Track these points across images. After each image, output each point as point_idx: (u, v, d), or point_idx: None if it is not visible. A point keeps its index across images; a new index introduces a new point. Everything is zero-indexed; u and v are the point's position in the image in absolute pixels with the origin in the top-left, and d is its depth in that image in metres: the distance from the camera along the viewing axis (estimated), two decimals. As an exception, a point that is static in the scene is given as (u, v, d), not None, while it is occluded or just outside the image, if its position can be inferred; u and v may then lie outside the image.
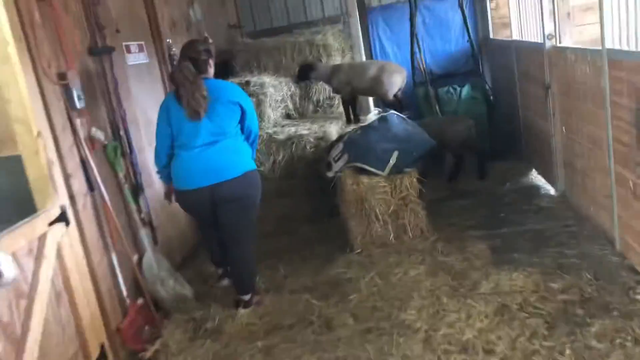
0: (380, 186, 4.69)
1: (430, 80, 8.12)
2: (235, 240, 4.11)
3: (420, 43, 8.27)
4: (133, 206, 4.39)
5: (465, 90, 7.88)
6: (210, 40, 4.59)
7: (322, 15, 9.26)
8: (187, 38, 6.58)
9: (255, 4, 9.36)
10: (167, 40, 5.88)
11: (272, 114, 6.18)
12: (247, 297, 4.26)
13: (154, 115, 4.27)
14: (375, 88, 6.11)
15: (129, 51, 5.15)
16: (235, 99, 3.95)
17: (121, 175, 4.35)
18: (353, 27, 8.68)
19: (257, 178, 4.13)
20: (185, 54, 4.00)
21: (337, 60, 6.97)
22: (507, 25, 8.45)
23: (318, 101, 6.96)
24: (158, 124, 4.09)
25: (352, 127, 5.99)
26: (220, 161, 3.91)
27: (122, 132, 4.51)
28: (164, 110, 4.07)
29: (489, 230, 5.10)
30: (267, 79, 6.16)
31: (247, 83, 6.02)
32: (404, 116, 5.03)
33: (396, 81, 6.09)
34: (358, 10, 8.58)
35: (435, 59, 8.81)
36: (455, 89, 7.98)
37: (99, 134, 4.06)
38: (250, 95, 5.76)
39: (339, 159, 4.75)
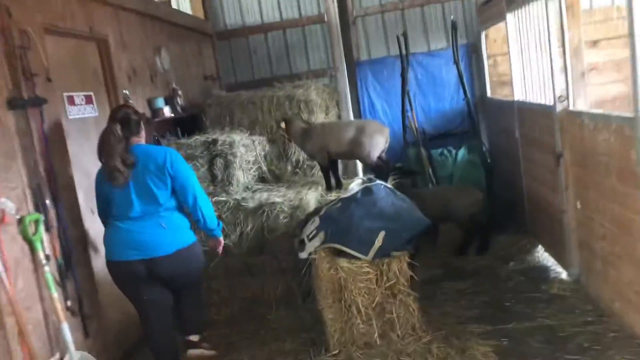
0: (363, 272, 3.85)
1: (423, 140, 7.43)
2: (181, 292, 3.93)
3: (412, 100, 7.62)
4: (54, 294, 3.51)
5: (461, 153, 7.18)
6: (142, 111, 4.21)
7: (307, 67, 8.68)
8: (152, 89, 5.90)
9: (237, 55, 8.76)
10: (124, 92, 5.15)
11: (243, 176, 5.40)
12: (196, 338, 4.06)
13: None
14: (355, 151, 5.34)
15: (72, 103, 4.41)
16: (164, 165, 3.60)
17: (41, 254, 3.50)
18: (340, 82, 8.02)
19: (194, 253, 3.81)
20: (114, 116, 3.67)
21: (320, 117, 6.26)
22: (506, 83, 7.84)
23: (297, 162, 6.21)
24: (95, 190, 3.84)
25: (333, 194, 5.20)
26: (152, 236, 3.62)
27: (48, 201, 3.69)
28: (99, 174, 3.76)
29: (493, 324, 4.26)
30: (238, 137, 5.41)
31: (214, 142, 5.28)
32: (391, 186, 4.24)
33: (378, 142, 5.33)
34: (346, 64, 7.94)
35: (428, 118, 8.15)
36: (450, 152, 7.28)
37: (8, 205, 3.24)
38: (217, 155, 5.05)
39: (313, 237, 3.93)
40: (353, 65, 8.39)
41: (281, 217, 4.92)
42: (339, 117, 8.07)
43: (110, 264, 3.70)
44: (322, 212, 4.07)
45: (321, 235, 3.91)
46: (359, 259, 3.83)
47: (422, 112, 8.16)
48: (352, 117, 8.23)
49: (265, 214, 4.94)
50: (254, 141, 5.64)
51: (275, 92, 6.31)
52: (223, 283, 5.03)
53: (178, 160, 3.68)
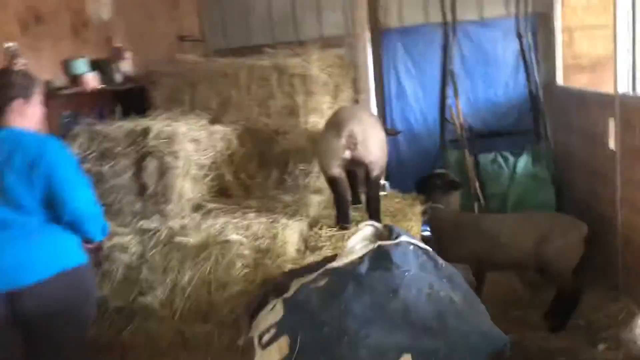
0: None
1: (468, 139, 5.38)
2: None
3: (457, 85, 5.56)
4: None
5: (523, 162, 5.13)
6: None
7: (318, 33, 6.62)
8: (75, 46, 3.98)
9: (229, 12, 6.72)
10: (8, 45, 3.23)
11: (191, 188, 3.46)
12: None
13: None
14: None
15: None
16: (33, 161, 2.53)
17: None
18: (360, 54, 6.06)
19: (84, 277, 2.66)
20: None
21: (323, 102, 4.26)
22: (585, 68, 5.76)
23: (286, 163, 4.22)
24: None
25: (350, 229, 3.28)
26: (17, 255, 2.51)
27: None
28: None
29: None
30: (184, 127, 3.45)
31: (144, 133, 3.33)
32: (423, 245, 2.17)
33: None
34: (370, 32, 5.96)
35: (475, 109, 6.06)
36: (506, 159, 5.22)
37: None
38: (148, 154, 3.11)
39: (269, 342, 1.97)
40: (378, 34, 6.34)
41: (238, 265, 2.98)
42: (356, 101, 6.08)
43: None
44: (289, 293, 2.10)
45: (283, 343, 1.94)
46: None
47: (467, 102, 6.09)
48: (374, 103, 6.24)
49: (214, 258, 3.00)
50: (212, 134, 3.66)
51: (258, 60, 4.30)
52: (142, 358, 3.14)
53: (58, 156, 2.63)
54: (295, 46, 5.56)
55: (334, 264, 2.05)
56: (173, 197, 3.35)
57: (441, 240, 4.07)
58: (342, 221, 3.34)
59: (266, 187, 3.93)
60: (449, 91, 5.51)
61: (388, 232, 2.16)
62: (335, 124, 3.34)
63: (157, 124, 3.41)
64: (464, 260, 4.01)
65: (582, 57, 5.71)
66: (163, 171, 3.31)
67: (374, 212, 3.39)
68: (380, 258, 2.02)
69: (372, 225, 2.23)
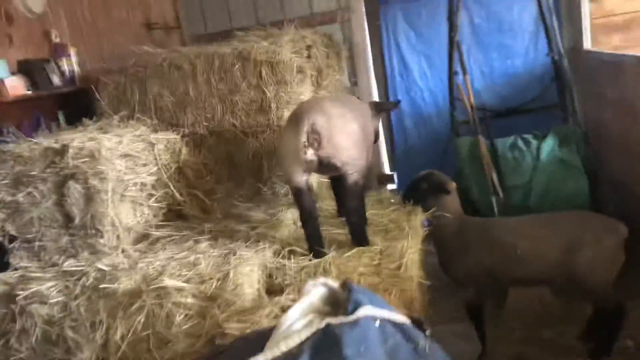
0: None
1: (482, 120, 4.60)
2: None
3: (465, 57, 4.76)
4: None
5: (548, 145, 4.31)
6: None
7: (308, 10, 5.85)
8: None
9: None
10: None
11: (128, 216, 2.79)
12: None
13: None
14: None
15: None
16: None
17: None
18: (356, 30, 5.35)
19: None
20: None
21: (302, 93, 3.52)
22: (616, 27, 4.95)
23: (260, 169, 3.51)
24: None
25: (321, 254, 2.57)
26: None
27: None
28: None
29: None
30: (113, 141, 2.76)
31: (62, 151, 2.65)
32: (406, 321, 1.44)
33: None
34: (365, 3, 5.22)
35: (490, 84, 5.27)
36: (527, 143, 4.41)
37: None
38: (69, 177, 2.45)
39: None
40: (376, 5, 5.58)
41: (179, 318, 2.30)
42: (355, 85, 5.34)
43: None
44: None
45: None
46: None
47: (481, 76, 5.29)
48: (373, 85, 5.48)
49: (148, 309, 2.33)
50: (154, 144, 2.96)
51: (218, 48, 3.56)
52: None
53: None
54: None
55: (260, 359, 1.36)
56: (105, 227, 2.68)
57: (443, 255, 3.33)
58: (313, 248, 2.62)
59: (231, 204, 3.22)
60: (457, 66, 4.71)
61: (346, 296, 1.45)
62: (294, 118, 2.61)
63: (79, 139, 2.73)
64: (472, 278, 3.30)
65: (613, 15, 4.87)
66: (89, 196, 2.64)
67: (355, 232, 2.68)
68: (327, 346, 1.32)
69: (324, 284, 1.53)
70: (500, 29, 5.30)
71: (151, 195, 2.89)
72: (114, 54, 4.22)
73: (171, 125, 3.47)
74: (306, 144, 2.49)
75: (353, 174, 2.67)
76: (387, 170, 5.83)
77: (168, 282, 2.29)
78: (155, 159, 2.89)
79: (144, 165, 2.85)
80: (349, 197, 2.69)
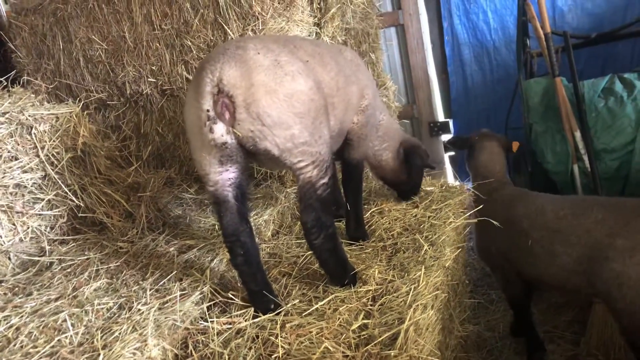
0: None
1: (563, 52, 3.28)
2: None
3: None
4: None
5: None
6: None
7: None
8: None
9: None
10: None
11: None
12: None
13: None
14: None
15: None
16: None
17: None
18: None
19: None
20: None
21: (289, 32, 2.40)
22: None
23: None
24: None
25: None
26: None
27: None
28: None
29: None
30: None
31: None
32: None
33: None
34: None
35: (575, 3, 3.86)
36: (630, 86, 3.07)
37: None
38: None
39: None
40: None
41: None
42: (398, 9, 4.14)
43: None
44: None
45: None
46: None
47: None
48: (422, 5, 4.25)
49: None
50: (30, 128, 1.96)
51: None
52: None
53: None
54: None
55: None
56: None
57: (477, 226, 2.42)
58: (253, 296, 1.59)
59: (172, 201, 2.22)
60: (528, -23, 3.37)
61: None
62: (196, 72, 1.54)
63: None
64: (490, 261, 2.57)
65: None
66: None
67: (324, 263, 1.64)
68: None
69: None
70: None
71: (37, 199, 1.94)
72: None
73: (106, 85, 2.47)
74: (211, 114, 1.44)
75: (305, 169, 1.59)
76: (440, 117, 4.64)
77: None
78: (36, 147, 1.92)
79: (14, 158, 1.89)
80: (304, 210, 1.61)
